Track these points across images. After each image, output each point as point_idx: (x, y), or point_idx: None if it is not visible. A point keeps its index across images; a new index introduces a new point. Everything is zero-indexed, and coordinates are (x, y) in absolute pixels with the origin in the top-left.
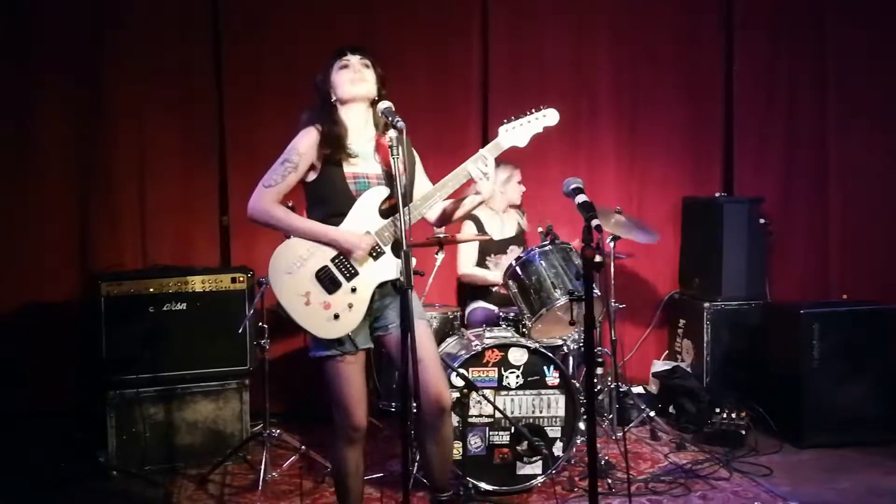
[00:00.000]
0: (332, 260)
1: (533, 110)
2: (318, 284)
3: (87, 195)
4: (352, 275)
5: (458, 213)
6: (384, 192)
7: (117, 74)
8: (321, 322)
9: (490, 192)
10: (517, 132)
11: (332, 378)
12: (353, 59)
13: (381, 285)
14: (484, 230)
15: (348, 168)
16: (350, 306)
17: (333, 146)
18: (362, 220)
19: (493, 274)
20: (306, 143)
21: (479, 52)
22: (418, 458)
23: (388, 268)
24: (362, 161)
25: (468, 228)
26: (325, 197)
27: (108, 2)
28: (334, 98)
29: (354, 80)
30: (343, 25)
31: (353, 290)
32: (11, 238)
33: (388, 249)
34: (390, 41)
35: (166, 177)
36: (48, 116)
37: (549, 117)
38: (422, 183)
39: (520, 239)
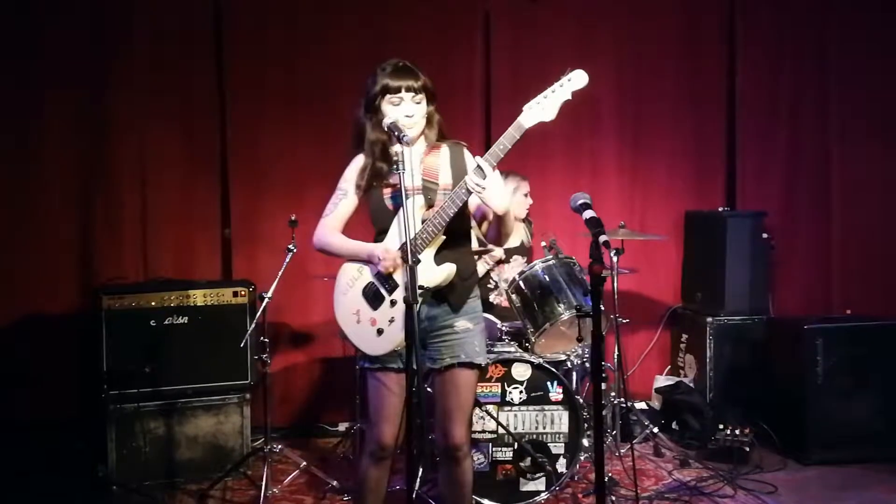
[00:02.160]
0: (376, 275)
1: (559, 76)
2: (365, 301)
3: (88, 208)
4: (392, 288)
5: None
6: (419, 201)
7: (119, 87)
8: (369, 339)
9: (501, 203)
10: (542, 106)
11: (370, 392)
12: (406, 97)
13: (422, 295)
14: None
15: (387, 186)
16: (391, 320)
17: (369, 179)
18: (401, 233)
19: (483, 265)
20: (353, 170)
21: (482, 65)
22: (421, 474)
23: (425, 275)
24: (405, 176)
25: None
26: (373, 217)
27: (110, 15)
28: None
29: (407, 125)
30: (345, 40)
31: (393, 303)
32: (13, 251)
33: (424, 257)
34: (393, 53)
35: (168, 189)
36: (49, 130)
37: (575, 80)
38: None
39: (523, 250)
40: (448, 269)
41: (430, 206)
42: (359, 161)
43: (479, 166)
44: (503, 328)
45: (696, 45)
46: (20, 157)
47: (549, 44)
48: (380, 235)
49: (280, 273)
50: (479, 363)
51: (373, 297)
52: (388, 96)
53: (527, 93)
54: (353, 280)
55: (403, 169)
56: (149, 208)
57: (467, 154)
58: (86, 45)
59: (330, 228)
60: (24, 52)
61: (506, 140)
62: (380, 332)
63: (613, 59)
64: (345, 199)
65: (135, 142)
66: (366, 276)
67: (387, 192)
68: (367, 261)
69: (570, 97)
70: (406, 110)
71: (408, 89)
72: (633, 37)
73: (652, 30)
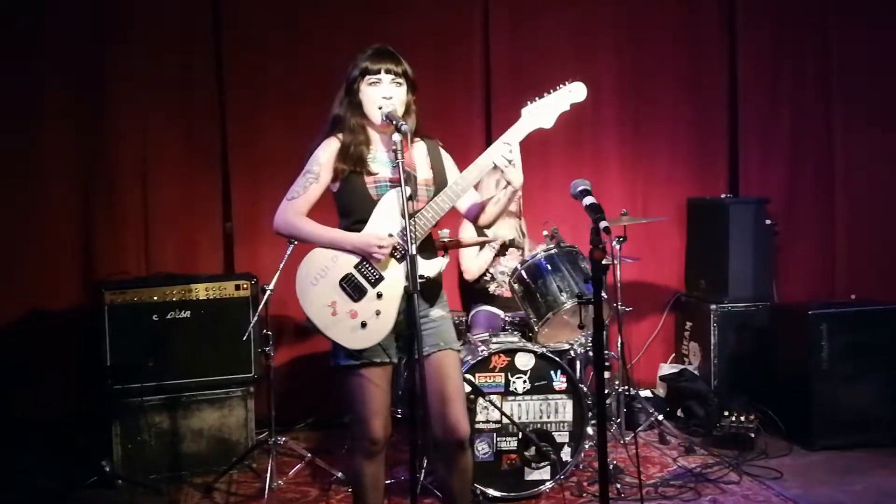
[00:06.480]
0: (356, 266)
1: (559, 86)
2: (343, 293)
3: (90, 203)
4: (377, 280)
5: (495, 209)
6: (405, 192)
7: (119, 83)
8: (349, 332)
9: (521, 180)
10: (542, 112)
11: (354, 389)
12: (386, 79)
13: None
14: (484, 232)
15: (369, 174)
16: (378, 313)
17: (350, 162)
18: (384, 223)
19: (489, 250)
20: (327, 153)
21: (481, 52)
22: (426, 464)
23: (423, 267)
24: (383, 166)
25: (468, 230)
26: (350, 205)
27: (109, 12)
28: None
29: (385, 106)
30: (345, 29)
31: (379, 295)
32: (15, 246)
33: (415, 249)
34: (392, 44)
35: (169, 183)
36: (51, 126)
37: (575, 92)
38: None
39: (518, 244)
40: (441, 261)
41: (410, 198)
42: (332, 144)
43: (505, 141)
44: (506, 318)
45: (697, 30)
46: (21, 153)
47: (549, 32)
48: (357, 226)
49: (281, 265)
50: (456, 349)
51: (353, 289)
52: (367, 77)
53: (526, 82)
54: (324, 270)
55: (402, 159)
56: (150, 203)
57: (444, 152)
58: (86, 44)
59: (297, 212)
60: (24, 51)
61: (509, 138)
62: (363, 325)
63: (614, 46)
64: (316, 184)
65: (136, 138)
66: (341, 266)
67: (370, 180)
68: (350, 251)
69: (568, 108)
70: (384, 91)
71: (387, 71)
72: (634, 23)
73: (652, 16)
